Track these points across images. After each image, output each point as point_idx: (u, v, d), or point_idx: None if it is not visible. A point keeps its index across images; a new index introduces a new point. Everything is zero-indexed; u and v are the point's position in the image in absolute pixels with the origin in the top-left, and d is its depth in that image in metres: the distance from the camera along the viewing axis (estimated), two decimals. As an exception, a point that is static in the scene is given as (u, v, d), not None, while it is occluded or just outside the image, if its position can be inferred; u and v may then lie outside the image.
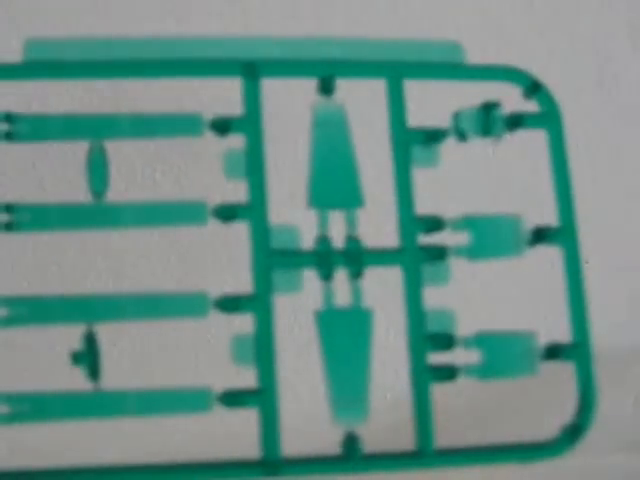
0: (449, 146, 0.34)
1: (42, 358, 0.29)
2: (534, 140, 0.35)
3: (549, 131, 0.35)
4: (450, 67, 0.35)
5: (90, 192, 0.31)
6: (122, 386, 0.30)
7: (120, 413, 0.30)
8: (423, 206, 0.33)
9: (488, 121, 0.34)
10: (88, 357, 0.30)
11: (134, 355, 0.30)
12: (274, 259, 0.31)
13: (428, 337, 0.32)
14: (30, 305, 0.30)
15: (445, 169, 0.34)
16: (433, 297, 0.32)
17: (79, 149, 0.31)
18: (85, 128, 0.31)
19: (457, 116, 0.34)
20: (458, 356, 0.32)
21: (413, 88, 0.34)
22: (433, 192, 0.34)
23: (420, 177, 0.33)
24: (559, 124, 0.35)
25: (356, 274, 0.32)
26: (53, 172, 0.30)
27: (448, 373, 0.32)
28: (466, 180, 0.33)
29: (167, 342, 0.30)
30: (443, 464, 0.31)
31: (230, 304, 0.31)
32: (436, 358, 0.32)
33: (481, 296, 0.32)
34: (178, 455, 0.30)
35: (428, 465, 0.31)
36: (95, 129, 0.31)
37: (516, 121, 0.35)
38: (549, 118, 0.35)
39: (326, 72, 0.33)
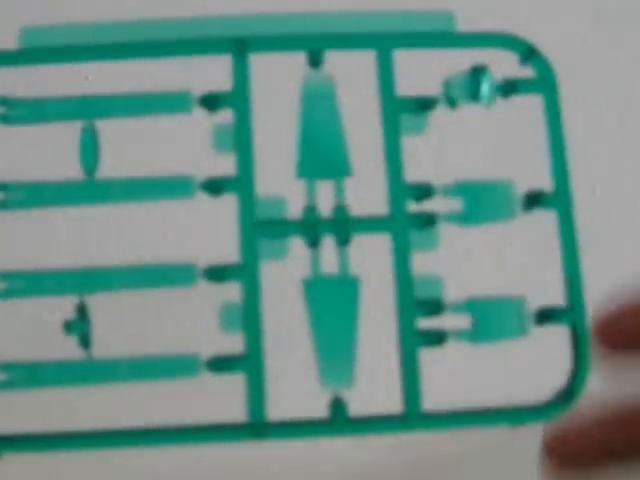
0: (440, 113, 0.38)
1: (36, 328, 0.34)
2: (528, 106, 0.38)
3: (544, 96, 0.38)
4: (442, 36, 0.39)
5: (82, 169, 0.36)
6: (112, 354, 0.35)
7: (110, 380, 0.34)
8: (413, 174, 0.37)
9: (477, 86, 0.38)
10: (79, 327, 0.35)
11: (124, 324, 0.34)
12: (261, 229, 0.36)
13: (417, 302, 0.35)
14: (24, 279, 0.35)
15: (436, 136, 0.38)
16: (422, 264, 0.36)
17: (71, 129, 0.36)
18: (77, 109, 0.36)
19: (447, 83, 0.38)
20: (447, 321, 0.35)
21: (406, 58, 0.38)
22: (423, 160, 0.37)
23: (410, 145, 0.37)
24: (554, 89, 0.38)
25: (343, 242, 0.36)
26: (46, 152, 0.35)
27: (437, 338, 0.35)
28: (458, 147, 0.37)
29: (156, 311, 0.34)
30: (430, 427, 0.34)
31: (217, 273, 0.35)
32: (425, 323, 0.35)
33: (471, 262, 0.35)
34: (165, 420, 0.34)
35: (415, 428, 0.34)
36: (86, 110, 0.36)
37: (510, 87, 0.38)
38: (544, 83, 0.38)
39: (315, 46, 0.38)
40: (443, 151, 0.37)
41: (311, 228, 0.36)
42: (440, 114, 0.38)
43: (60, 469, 0.34)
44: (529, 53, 0.38)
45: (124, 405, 0.34)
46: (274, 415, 0.34)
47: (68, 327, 0.34)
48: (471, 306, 0.35)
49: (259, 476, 0.33)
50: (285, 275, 0.35)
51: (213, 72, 0.36)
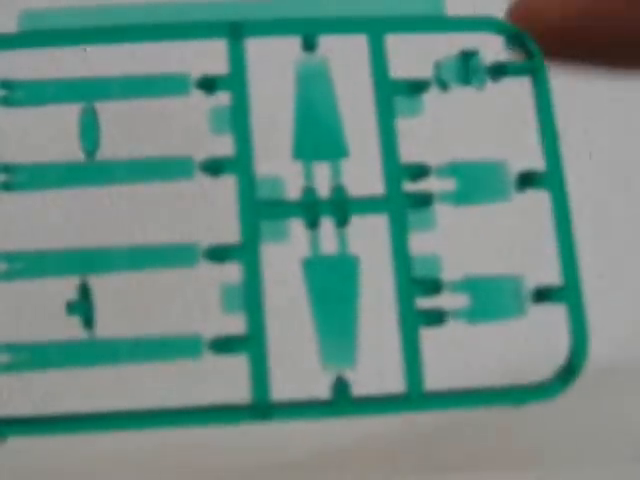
0: (433, 96, 0.40)
1: (39, 309, 0.36)
2: (520, 88, 0.41)
3: (534, 78, 0.41)
4: (431, 20, 0.41)
5: (82, 151, 0.38)
6: (115, 334, 0.37)
7: (113, 360, 0.36)
8: (409, 155, 0.40)
9: (468, 69, 0.41)
10: (82, 307, 0.37)
11: (127, 305, 0.36)
12: (260, 210, 0.38)
13: (415, 282, 0.38)
14: (27, 260, 0.37)
15: (430, 118, 0.40)
16: (419, 243, 0.38)
17: (72, 111, 0.38)
18: (77, 92, 0.38)
19: (438, 66, 0.41)
20: (446, 301, 0.38)
21: (399, 41, 0.41)
22: (418, 141, 0.40)
23: (405, 126, 0.40)
24: (544, 71, 0.41)
25: (342, 222, 0.38)
26: (47, 134, 0.37)
27: (436, 317, 0.38)
28: (452, 128, 0.40)
29: (157, 291, 0.37)
30: (432, 407, 0.36)
31: (218, 254, 0.38)
32: (424, 303, 0.38)
33: (468, 241, 0.38)
34: (168, 402, 0.36)
35: (417, 408, 0.36)
36: (87, 92, 0.38)
37: (500, 70, 0.41)
38: (533, 66, 0.41)
39: (309, 30, 0.40)
40: (437, 132, 0.40)
41: (310, 209, 0.38)
42: (433, 96, 0.40)
43: (64, 451, 0.36)
44: (516, 37, 0.41)
45: (127, 387, 0.36)
46: (277, 396, 0.36)
47: (71, 308, 0.36)
48: (469, 285, 0.38)
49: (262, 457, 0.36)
50: (285, 256, 0.37)
51: (210, 55, 0.39)
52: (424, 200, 0.38)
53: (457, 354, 0.36)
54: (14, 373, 0.36)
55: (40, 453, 0.35)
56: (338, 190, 0.38)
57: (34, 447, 0.35)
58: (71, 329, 0.36)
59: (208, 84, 0.38)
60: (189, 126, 0.37)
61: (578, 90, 0.41)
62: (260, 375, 0.36)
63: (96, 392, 0.35)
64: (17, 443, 0.35)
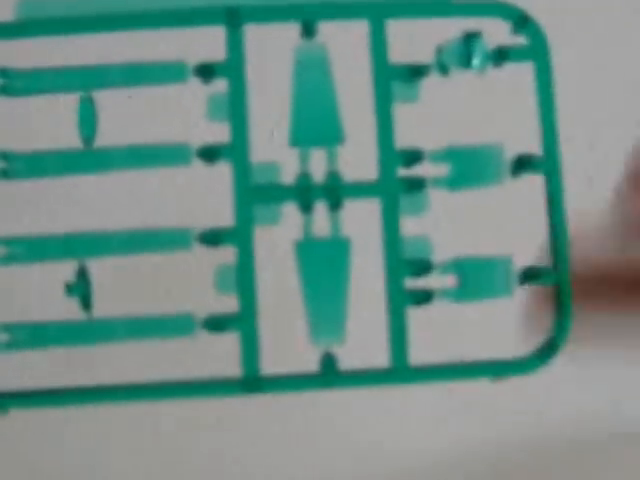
0: (432, 81, 0.42)
1: (38, 291, 0.39)
2: (520, 74, 0.42)
3: (536, 63, 0.42)
4: (435, 4, 0.42)
5: (80, 139, 0.40)
6: (112, 315, 0.39)
7: (110, 339, 0.39)
8: (405, 141, 0.41)
9: (470, 52, 0.42)
10: (80, 289, 0.39)
11: (124, 286, 0.39)
12: (255, 194, 0.40)
13: (405, 263, 0.40)
14: (26, 245, 0.39)
15: (428, 103, 0.42)
16: (411, 227, 0.40)
17: (70, 100, 0.40)
18: (75, 80, 0.40)
19: (439, 50, 0.42)
20: (435, 281, 0.40)
21: (399, 26, 0.42)
22: (415, 127, 0.41)
23: (402, 112, 0.41)
24: (546, 56, 0.42)
25: (335, 206, 0.40)
26: (45, 122, 0.40)
27: (424, 297, 0.39)
28: (450, 114, 0.41)
29: (153, 274, 0.39)
30: (416, 380, 0.38)
31: (213, 237, 0.40)
32: (413, 283, 0.39)
33: (459, 225, 0.39)
34: (163, 377, 0.38)
35: (402, 381, 0.38)
36: (84, 80, 0.40)
37: (502, 54, 0.42)
38: (536, 50, 0.42)
39: (308, 16, 0.42)
40: (435, 118, 0.41)
41: (304, 193, 0.40)
42: (432, 81, 0.42)
43: (63, 423, 0.38)
44: (522, 21, 0.42)
45: (123, 363, 0.38)
46: (267, 371, 0.38)
47: (69, 289, 0.39)
48: (458, 266, 0.39)
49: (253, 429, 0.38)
50: (278, 238, 0.39)
51: (208, 42, 0.41)
52: (417, 185, 0.40)
53: (444, 332, 0.37)
54: (16, 351, 0.38)
55: (41, 425, 0.37)
56: (332, 175, 0.40)
57: (35, 418, 0.38)
58: (70, 310, 0.38)
59: (206, 71, 0.40)
60: (186, 113, 0.39)
61: (580, 76, 0.42)
62: (251, 351, 0.38)
63: (94, 368, 0.38)
64: (18, 415, 0.38)
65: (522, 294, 0.38)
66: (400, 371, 0.37)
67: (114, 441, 0.37)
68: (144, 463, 0.37)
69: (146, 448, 0.37)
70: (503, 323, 0.37)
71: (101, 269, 0.38)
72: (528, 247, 0.39)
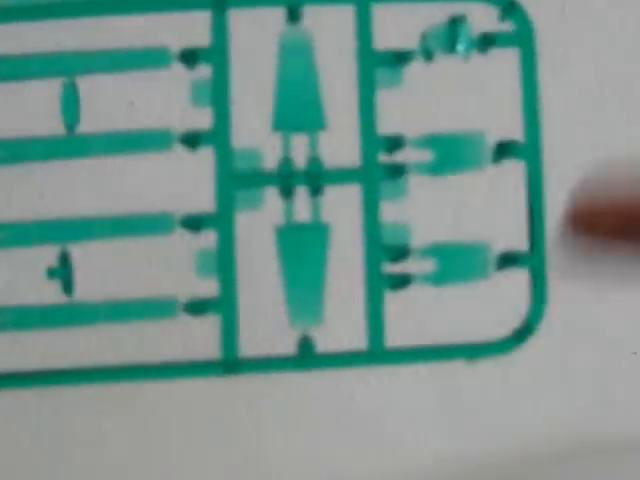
0: (416, 67, 0.43)
1: (21, 276, 0.40)
2: (505, 60, 0.43)
3: (521, 50, 0.43)
4: (419, -9, 0.43)
5: (63, 125, 0.41)
6: (94, 299, 0.40)
7: (92, 322, 0.40)
8: (388, 127, 0.42)
9: (455, 36, 0.43)
10: (62, 273, 0.40)
11: (106, 270, 0.40)
12: (236, 180, 0.41)
13: (384, 248, 0.41)
14: (9, 229, 0.41)
15: (412, 90, 0.43)
16: (391, 213, 0.41)
17: (53, 86, 0.41)
18: (58, 66, 0.42)
19: (424, 35, 0.43)
20: (413, 266, 0.41)
21: (385, 12, 0.43)
22: (398, 113, 0.42)
23: (385, 98, 0.42)
24: (532, 43, 0.43)
25: (316, 192, 0.41)
26: (28, 109, 0.41)
27: (402, 281, 0.40)
28: (434, 100, 0.42)
29: (135, 258, 0.40)
30: (391, 361, 0.39)
31: (194, 222, 0.41)
32: (391, 268, 0.41)
33: (439, 211, 0.41)
34: (144, 359, 0.40)
35: (377, 362, 0.39)
36: (67, 66, 0.42)
37: (487, 40, 0.43)
38: (522, 37, 0.43)
39: (293, 1, 0.43)
40: (418, 104, 0.42)
41: (285, 179, 0.41)
42: (417, 67, 0.43)
43: (43, 405, 0.39)
44: (509, 7, 0.43)
45: (105, 345, 0.40)
46: (246, 354, 0.39)
47: (51, 273, 0.40)
48: (436, 251, 0.40)
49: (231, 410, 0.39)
50: (259, 223, 0.40)
51: (192, 28, 0.42)
52: (398, 171, 0.41)
53: (421, 315, 0.39)
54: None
55: (21, 406, 0.39)
56: (314, 161, 0.41)
57: (15, 400, 0.39)
58: (52, 293, 0.40)
59: (189, 57, 0.41)
60: (169, 99, 0.41)
61: (566, 64, 0.43)
62: (230, 334, 0.39)
63: (75, 350, 0.39)
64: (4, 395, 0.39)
65: (499, 278, 0.39)
66: (376, 353, 0.38)
67: (97, 421, 0.38)
68: (125, 444, 0.38)
69: (127, 429, 0.38)
70: (480, 307, 0.38)
71: (83, 253, 0.40)
72: (507, 232, 0.40)
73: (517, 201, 0.39)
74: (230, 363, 0.37)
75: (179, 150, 0.40)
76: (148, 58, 0.40)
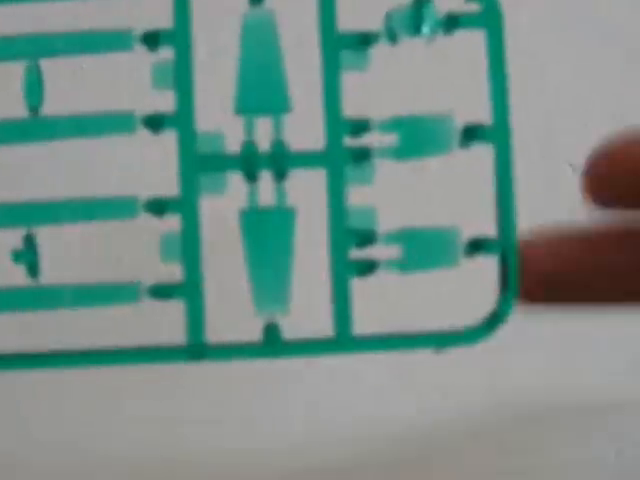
0: (381, 49, 0.44)
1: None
2: (471, 42, 0.44)
3: (488, 31, 0.44)
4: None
5: (26, 108, 0.42)
6: (59, 282, 0.41)
7: (57, 306, 0.41)
8: (353, 110, 0.43)
9: (420, 18, 0.44)
10: (27, 257, 0.41)
11: (71, 254, 0.41)
12: (200, 163, 0.42)
13: (349, 233, 0.41)
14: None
15: (377, 72, 0.43)
16: (357, 197, 0.42)
17: (16, 68, 0.42)
18: (21, 48, 0.42)
19: (389, 16, 0.44)
20: (380, 252, 0.42)
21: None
22: (363, 96, 0.43)
23: (350, 81, 0.43)
24: (499, 24, 0.44)
25: (280, 176, 0.42)
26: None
27: (368, 267, 0.41)
28: (399, 82, 0.43)
29: (100, 242, 0.41)
30: (358, 349, 0.40)
31: (158, 206, 0.42)
32: (357, 254, 0.42)
33: (406, 194, 0.41)
34: (109, 343, 0.41)
35: (345, 350, 0.40)
36: (30, 49, 0.42)
37: (453, 22, 0.44)
38: (489, 18, 0.44)
39: (256, -17, 0.43)
40: (384, 86, 0.43)
41: (249, 162, 0.42)
42: (381, 49, 0.43)
43: (8, 388, 0.40)
44: (475, -13, 0.43)
45: (70, 329, 0.41)
46: (212, 340, 0.40)
47: (16, 257, 0.41)
48: (403, 237, 0.41)
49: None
50: (223, 207, 0.41)
51: (154, 10, 0.42)
52: (363, 154, 0.42)
53: (389, 302, 0.40)
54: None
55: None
56: (278, 144, 0.42)
57: None
58: (17, 277, 0.40)
59: (151, 39, 0.42)
60: (132, 82, 0.41)
61: (533, 44, 0.43)
62: (195, 319, 0.40)
63: (41, 334, 0.40)
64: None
65: (468, 265, 0.40)
66: (343, 341, 0.39)
67: (61, 405, 0.39)
68: (90, 429, 0.39)
69: (89, 413, 0.39)
70: (448, 294, 0.39)
71: (48, 237, 0.40)
72: (475, 218, 0.41)
73: (486, 186, 0.40)
74: (195, 349, 0.38)
75: (143, 133, 0.40)
76: (111, 40, 0.41)
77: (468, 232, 0.39)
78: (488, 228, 0.40)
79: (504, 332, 0.38)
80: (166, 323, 0.38)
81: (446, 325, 0.39)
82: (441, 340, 0.39)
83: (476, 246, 0.40)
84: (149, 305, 0.39)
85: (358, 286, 0.39)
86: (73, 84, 0.40)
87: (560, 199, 0.40)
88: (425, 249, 0.39)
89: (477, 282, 0.39)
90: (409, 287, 0.39)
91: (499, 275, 0.40)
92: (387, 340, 0.39)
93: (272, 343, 0.39)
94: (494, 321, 0.39)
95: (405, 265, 0.39)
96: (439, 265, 0.39)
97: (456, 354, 0.38)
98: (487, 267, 0.40)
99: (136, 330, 0.38)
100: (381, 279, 0.39)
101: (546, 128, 0.41)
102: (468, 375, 0.39)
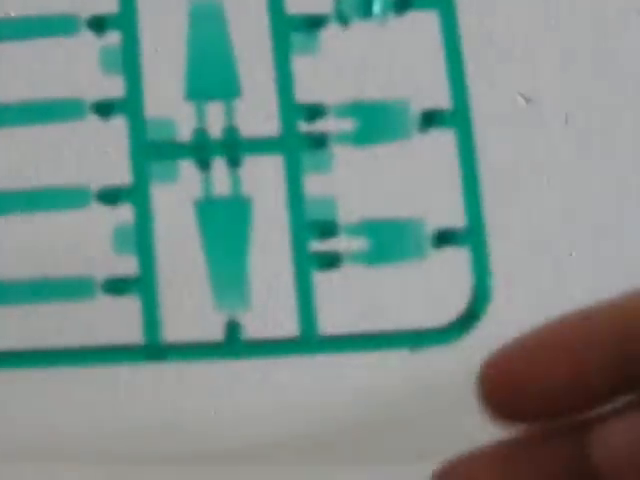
0: (332, 32, 0.43)
1: None
2: (424, 23, 0.44)
3: (440, 11, 0.43)
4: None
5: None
6: (14, 276, 0.40)
7: (10, 302, 0.40)
8: (305, 95, 0.42)
9: (370, 0, 0.43)
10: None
11: (25, 245, 0.40)
12: (150, 151, 0.41)
13: (310, 224, 0.41)
14: None
15: (328, 56, 0.43)
16: (315, 185, 0.41)
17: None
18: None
19: (339, -1, 0.43)
20: (342, 244, 0.41)
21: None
22: (316, 80, 0.43)
23: (302, 65, 0.42)
24: (451, 3, 0.43)
25: (234, 163, 0.41)
26: None
27: (331, 260, 0.39)
28: (351, 66, 0.42)
29: (51, 233, 0.40)
30: (326, 350, 0.38)
31: (110, 196, 0.41)
32: (319, 246, 0.41)
33: (366, 183, 0.41)
34: (62, 342, 0.40)
35: (310, 351, 0.38)
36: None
37: (405, 2, 0.43)
38: (440, -2, 0.43)
39: (204, -35, 0.42)
40: (337, 70, 0.42)
41: (201, 150, 0.41)
42: (332, 32, 0.43)
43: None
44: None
45: (23, 327, 0.39)
46: (170, 338, 0.39)
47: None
48: (366, 228, 0.40)
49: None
50: (177, 197, 0.41)
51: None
52: (320, 141, 0.41)
53: (356, 297, 0.39)
54: None
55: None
56: (230, 130, 0.41)
57: None
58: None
59: (98, 24, 0.41)
60: (79, 67, 0.40)
61: (487, 25, 0.43)
62: (152, 316, 0.39)
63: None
64: None
65: (436, 257, 0.39)
66: (309, 341, 0.38)
67: (7, 407, 0.38)
68: (47, 429, 0.38)
69: (41, 414, 0.38)
70: (418, 288, 0.39)
71: (1, 227, 0.39)
72: (441, 207, 0.40)
73: (450, 172, 0.40)
74: (153, 349, 0.37)
75: (92, 120, 0.39)
76: (57, 25, 0.40)
77: (434, 221, 0.39)
78: (455, 218, 0.39)
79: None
80: (123, 320, 0.37)
81: (418, 321, 0.38)
82: (416, 340, 0.37)
83: (444, 237, 0.39)
84: (105, 302, 0.38)
85: (324, 281, 0.38)
86: (20, 70, 0.38)
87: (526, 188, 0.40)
88: (390, 241, 0.39)
89: (448, 275, 0.38)
90: (378, 282, 0.38)
91: (471, 269, 0.39)
92: (358, 340, 0.38)
93: (233, 343, 0.38)
94: (470, 319, 0.38)
95: (370, 258, 0.38)
96: (406, 258, 0.39)
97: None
98: (457, 259, 0.39)
99: (92, 328, 0.37)
100: (347, 273, 0.38)
101: (506, 110, 0.40)
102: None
